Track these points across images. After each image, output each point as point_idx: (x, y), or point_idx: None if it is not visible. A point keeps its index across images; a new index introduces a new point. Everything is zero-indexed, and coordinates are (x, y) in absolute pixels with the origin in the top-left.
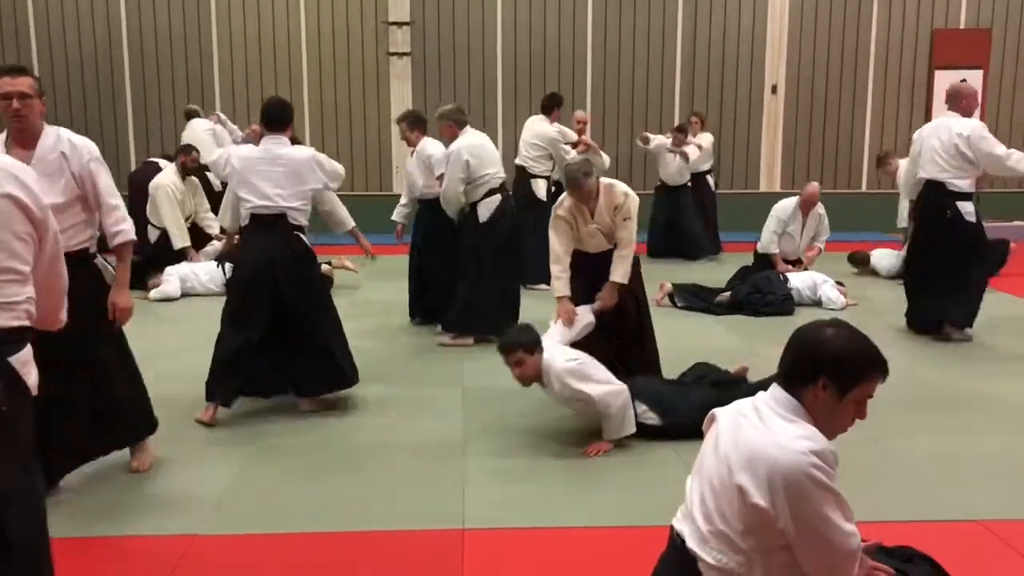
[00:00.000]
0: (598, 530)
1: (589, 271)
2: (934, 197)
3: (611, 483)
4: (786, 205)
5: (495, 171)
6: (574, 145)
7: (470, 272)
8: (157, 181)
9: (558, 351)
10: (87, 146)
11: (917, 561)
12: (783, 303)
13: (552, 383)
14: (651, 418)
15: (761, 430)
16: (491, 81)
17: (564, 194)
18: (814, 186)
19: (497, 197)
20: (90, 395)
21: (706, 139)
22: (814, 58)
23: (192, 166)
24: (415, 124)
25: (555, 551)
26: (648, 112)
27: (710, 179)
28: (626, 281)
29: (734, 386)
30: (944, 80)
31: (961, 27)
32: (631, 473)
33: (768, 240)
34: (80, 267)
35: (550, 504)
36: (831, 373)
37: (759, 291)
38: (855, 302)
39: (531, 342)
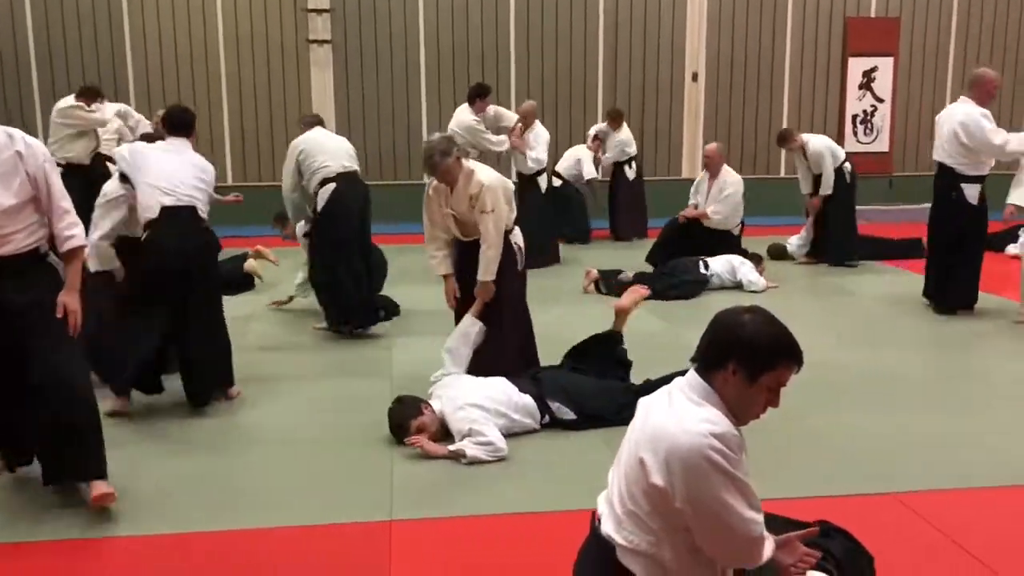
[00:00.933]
0: (525, 516)
1: (458, 260)
2: (941, 179)
3: (537, 469)
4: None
5: (327, 161)
6: (511, 132)
7: (317, 262)
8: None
9: (458, 399)
10: (40, 147)
11: (834, 535)
12: (691, 287)
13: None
14: (567, 413)
15: (668, 412)
16: (414, 70)
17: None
18: (710, 147)
19: (331, 186)
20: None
21: (624, 133)
22: (732, 46)
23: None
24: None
25: (482, 539)
26: (572, 100)
27: (628, 169)
28: (488, 278)
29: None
30: (857, 67)
31: (872, 15)
32: (557, 458)
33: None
34: (34, 264)
35: (477, 492)
36: (741, 358)
37: (670, 274)
38: (775, 284)
39: (414, 412)
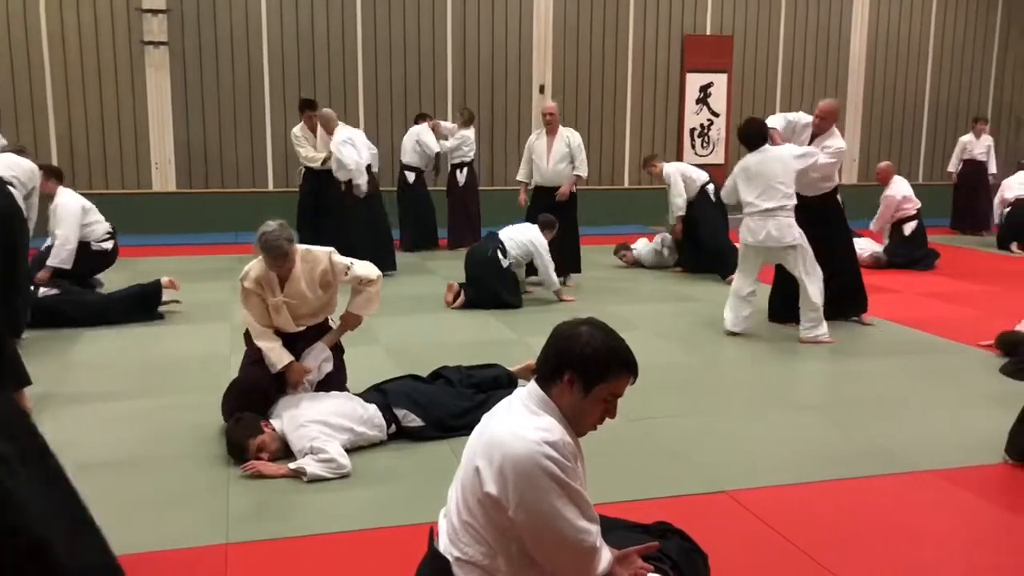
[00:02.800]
0: (366, 533)
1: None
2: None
3: (382, 483)
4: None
5: None
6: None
7: None
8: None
9: (299, 416)
10: None
11: (670, 536)
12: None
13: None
14: (413, 420)
15: (505, 421)
16: (257, 74)
17: (252, 263)
18: (549, 104)
19: None
20: None
21: (470, 132)
22: (578, 59)
23: None
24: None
25: (322, 558)
26: (421, 108)
27: (459, 173)
28: (365, 313)
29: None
30: (694, 82)
31: (708, 33)
32: (403, 471)
33: (523, 172)
34: None
35: (318, 510)
36: (577, 369)
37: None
38: (573, 299)
39: (254, 431)
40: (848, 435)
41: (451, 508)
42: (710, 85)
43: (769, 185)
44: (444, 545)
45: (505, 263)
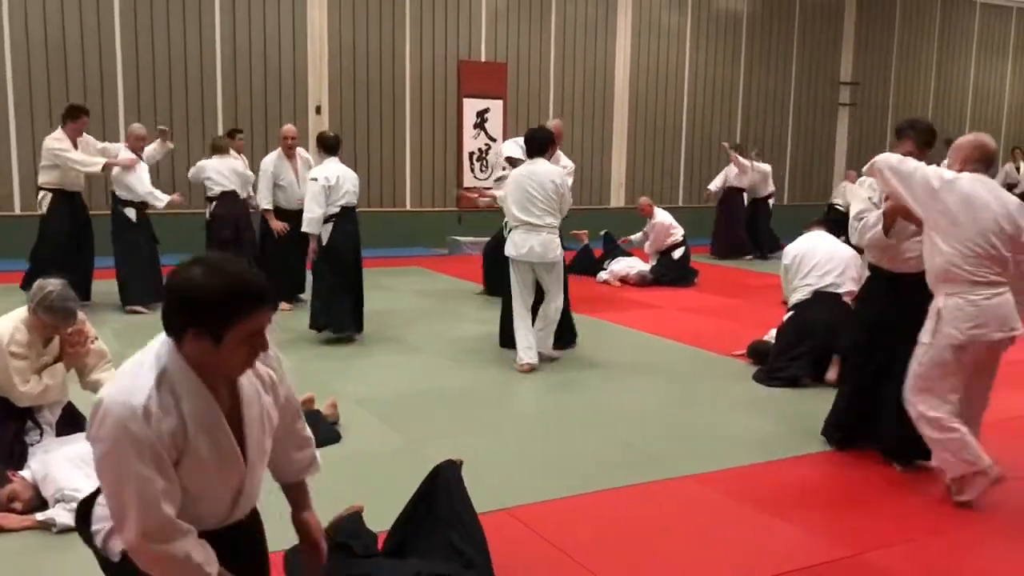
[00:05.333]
0: None
1: None
2: None
3: None
4: (269, 158)
5: None
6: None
7: None
8: None
9: (50, 462)
10: None
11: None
12: None
13: None
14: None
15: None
16: (0, 84)
17: (16, 318)
18: (286, 128)
19: None
20: None
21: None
22: (355, 81)
23: None
24: None
25: None
26: (189, 128)
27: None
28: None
29: None
30: (471, 107)
31: (483, 60)
32: None
33: (269, 197)
34: None
35: (71, 560)
36: (198, 324)
37: None
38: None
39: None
40: (614, 445)
41: None
42: (487, 111)
43: (535, 200)
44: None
45: None
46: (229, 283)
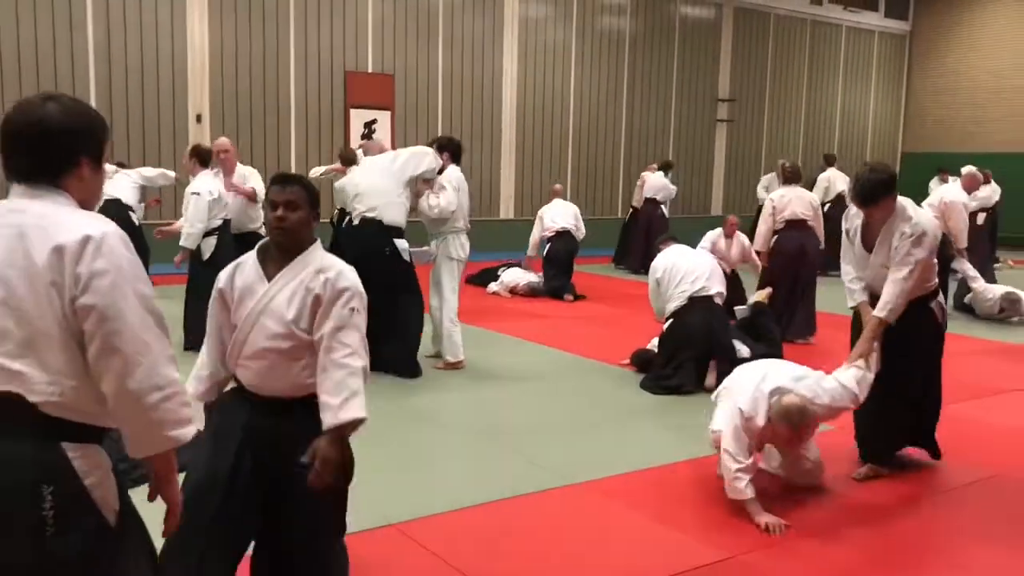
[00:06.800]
0: None
1: None
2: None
3: None
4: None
5: None
6: None
7: None
8: None
9: None
10: None
11: None
12: None
13: None
14: None
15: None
16: None
17: None
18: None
19: None
20: None
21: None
22: (237, 90)
23: None
24: None
25: None
26: None
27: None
28: None
29: None
30: (358, 118)
31: (370, 71)
32: None
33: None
34: None
35: None
36: (86, 150)
37: None
38: None
39: None
40: (504, 456)
41: None
42: (374, 122)
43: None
44: None
45: None
46: (84, 111)
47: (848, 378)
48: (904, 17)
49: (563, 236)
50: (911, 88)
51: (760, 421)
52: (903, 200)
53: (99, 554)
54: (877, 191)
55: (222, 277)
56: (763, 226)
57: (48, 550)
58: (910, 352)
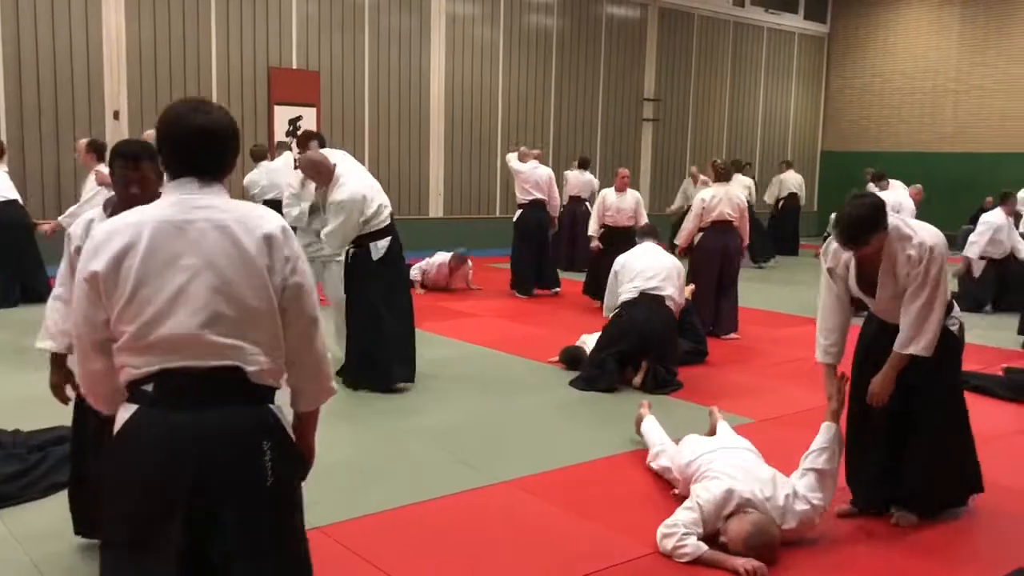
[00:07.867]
0: None
1: None
2: None
3: None
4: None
5: None
6: None
7: None
8: None
9: None
10: None
11: None
12: None
13: None
14: None
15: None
16: None
17: None
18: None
19: None
20: None
21: None
22: (156, 86)
23: None
24: None
25: None
26: None
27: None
28: None
29: None
30: (283, 115)
31: (294, 67)
32: None
33: None
34: None
35: None
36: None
37: None
38: None
39: None
40: (433, 456)
41: None
42: (299, 118)
43: None
44: None
45: None
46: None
47: (815, 494)
48: (823, 20)
49: (535, 205)
50: (830, 88)
51: (719, 525)
52: (893, 219)
53: (296, 480)
54: (864, 229)
55: None
56: (689, 224)
57: (270, 484)
58: (921, 384)
